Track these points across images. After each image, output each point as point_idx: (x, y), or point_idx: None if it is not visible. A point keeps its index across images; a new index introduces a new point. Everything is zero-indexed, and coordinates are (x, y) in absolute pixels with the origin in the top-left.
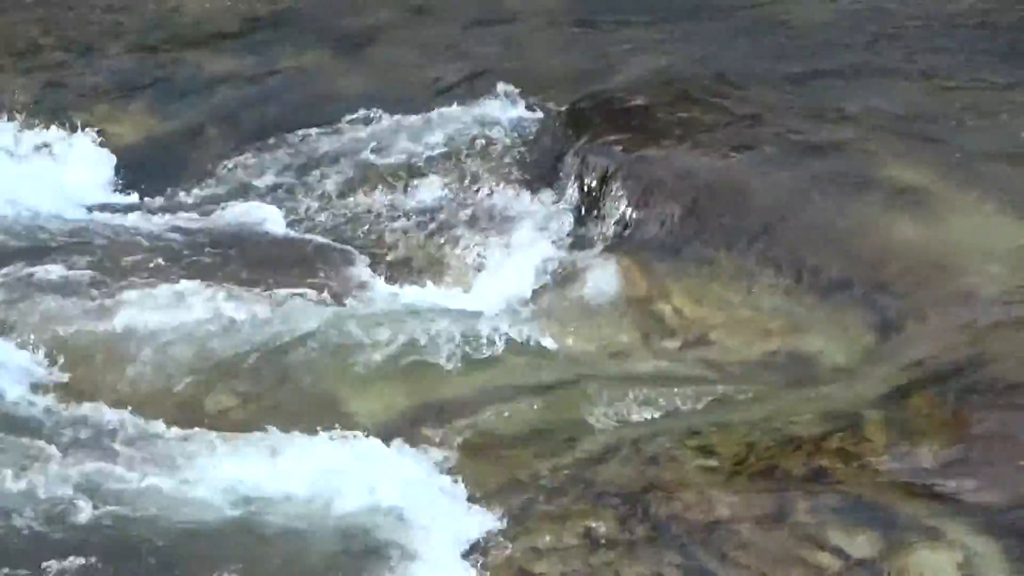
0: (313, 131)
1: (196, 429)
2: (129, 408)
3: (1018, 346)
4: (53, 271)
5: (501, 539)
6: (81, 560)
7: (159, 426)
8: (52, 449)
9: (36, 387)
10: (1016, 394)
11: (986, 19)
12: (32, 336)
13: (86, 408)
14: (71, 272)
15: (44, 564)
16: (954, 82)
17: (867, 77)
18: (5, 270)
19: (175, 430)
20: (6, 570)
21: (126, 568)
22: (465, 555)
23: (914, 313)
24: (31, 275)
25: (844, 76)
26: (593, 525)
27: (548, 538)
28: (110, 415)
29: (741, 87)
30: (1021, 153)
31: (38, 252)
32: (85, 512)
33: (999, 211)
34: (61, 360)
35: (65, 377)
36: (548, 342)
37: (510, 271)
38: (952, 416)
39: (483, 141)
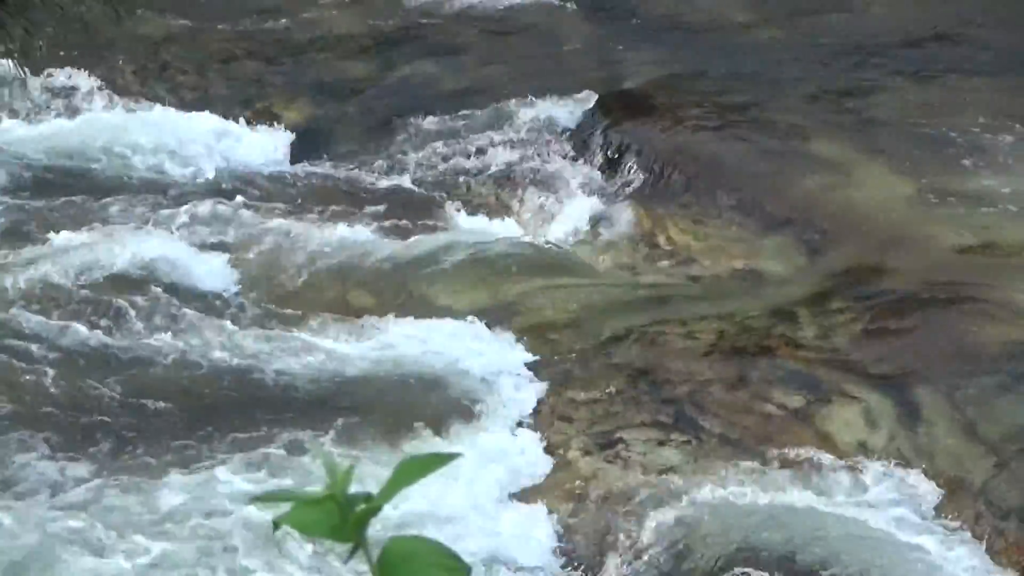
0: (423, 117)
1: (343, 317)
2: (292, 303)
3: (905, 263)
4: (248, 208)
5: (551, 393)
6: (258, 406)
7: (318, 315)
8: (244, 335)
9: (230, 286)
10: (903, 297)
11: (896, 33)
12: (231, 250)
13: (264, 300)
14: (259, 209)
15: (234, 410)
16: (868, 82)
17: (806, 80)
18: (215, 207)
19: (329, 317)
20: (204, 415)
21: (297, 409)
22: (529, 404)
23: (832, 241)
24: (232, 211)
25: (788, 80)
26: (612, 385)
27: (581, 394)
28: (280, 308)
29: (718, 86)
30: (912, 132)
31: (237, 196)
32: (262, 372)
33: (893, 172)
34: (250, 267)
35: (251, 279)
36: (583, 261)
37: (558, 213)
38: (859, 312)
39: (540, 123)
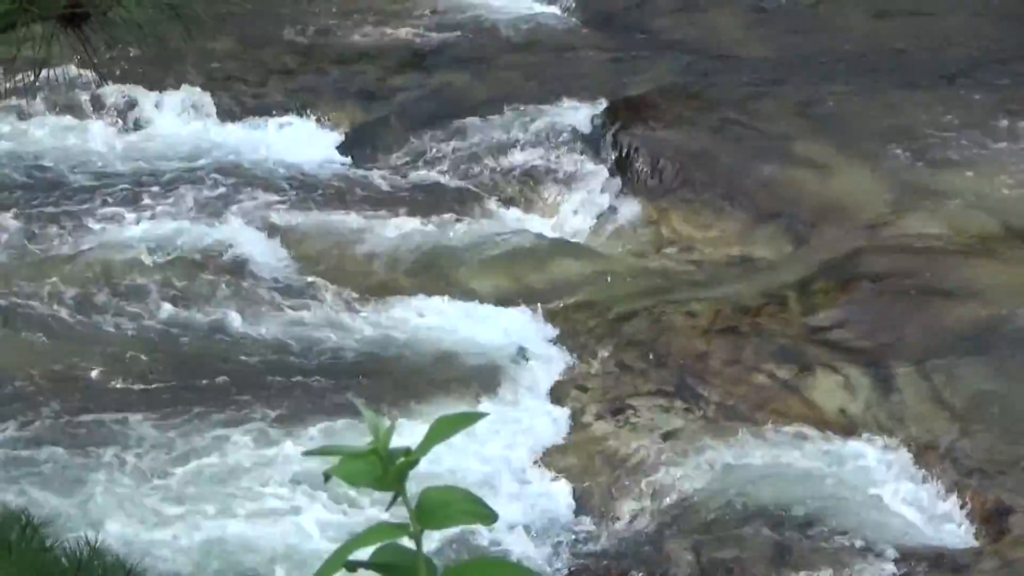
0: (456, 121)
1: (379, 294)
2: (339, 283)
3: (880, 250)
4: (303, 201)
5: (568, 366)
6: (308, 372)
7: (355, 293)
8: (299, 308)
9: (281, 264)
10: (878, 280)
11: (874, 48)
12: (288, 237)
13: (315, 281)
14: (312, 201)
15: (287, 376)
16: (849, 91)
17: (793, 89)
18: (274, 198)
19: (371, 295)
20: (263, 380)
21: (344, 376)
22: (549, 375)
23: (816, 232)
24: (290, 203)
25: (778, 88)
26: (623, 359)
27: (596, 366)
28: (330, 288)
29: (715, 94)
30: (887, 134)
31: (293, 189)
32: (313, 344)
33: (870, 169)
34: (304, 252)
35: (304, 262)
36: (597, 249)
37: (575, 207)
38: (839, 294)
39: (557, 126)
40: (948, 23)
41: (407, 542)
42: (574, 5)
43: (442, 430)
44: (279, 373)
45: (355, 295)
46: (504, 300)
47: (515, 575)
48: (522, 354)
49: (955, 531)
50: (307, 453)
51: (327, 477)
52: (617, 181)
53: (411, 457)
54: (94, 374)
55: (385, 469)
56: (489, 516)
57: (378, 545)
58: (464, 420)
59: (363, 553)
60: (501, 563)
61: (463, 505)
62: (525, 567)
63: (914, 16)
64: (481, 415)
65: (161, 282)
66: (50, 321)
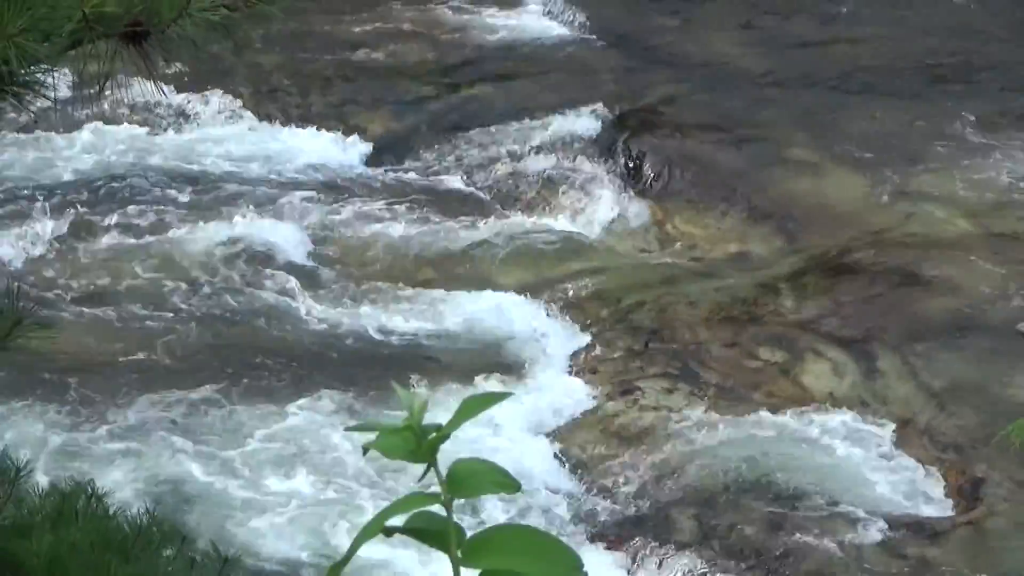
0: (479, 129)
1: (411, 287)
2: (373, 277)
3: (864, 247)
4: (336, 200)
5: (583, 351)
6: (343, 357)
7: (389, 285)
8: (332, 300)
9: (319, 260)
10: (863, 274)
11: (857, 65)
12: (325, 234)
13: (349, 274)
14: (348, 201)
15: (325, 360)
16: (835, 103)
17: (785, 100)
18: (314, 199)
19: (400, 289)
20: (306, 364)
21: (379, 360)
22: (565, 359)
23: (807, 230)
24: (324, 201)
25: (771, 100)
26: (631, 344)
27: (607, 351)
28: (362, 280)
29: (715, 105)
30: (870, 142)
31: (332, 191)
32: (348, 331)
33: (855, 174)
34: (339, 248)
35: (339, 257)
36: (609, 247)
37: (588, 208)
38: (827, 287)
39: (573, 135)
40: (924, 42)
41: (439, 509)
42: (588, 25)
43: (470, 408)
44: (318, 358)
45: (387, 289)
46: (525, 292)
47: (536, 540)
48: None
49: (933, 501)
50: (349, 428)
51: (366, 450)
52: (626, 184)
53: (442, 432)
54: (154, 356)
55: (418, 443)
56: (513, 485)
57: (412, 512)
58: (490, 400)
59: (398, 520)
60: (523, 528)
61: (489, 476)
62: (544, 531)
63: (891, 37)
64: (505, 395)
65: (208, 275)
66: (113, 310)
